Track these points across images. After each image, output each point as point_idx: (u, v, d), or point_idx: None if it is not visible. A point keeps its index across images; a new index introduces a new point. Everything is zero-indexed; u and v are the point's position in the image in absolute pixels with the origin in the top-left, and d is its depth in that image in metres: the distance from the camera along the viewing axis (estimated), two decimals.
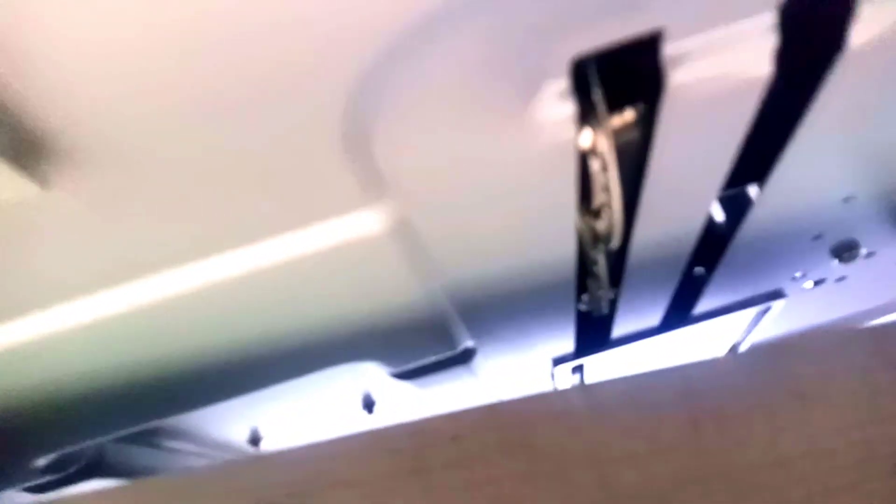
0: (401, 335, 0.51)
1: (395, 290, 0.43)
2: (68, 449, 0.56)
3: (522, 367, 0.72)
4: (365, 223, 0.35)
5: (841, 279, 0.70)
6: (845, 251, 0.62)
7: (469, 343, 0.57)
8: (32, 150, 0.23)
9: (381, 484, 0.39)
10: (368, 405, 0.75)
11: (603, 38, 0.29)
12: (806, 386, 0.42)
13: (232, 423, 0.73)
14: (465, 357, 0.59)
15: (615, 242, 0.40)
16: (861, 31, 0.32)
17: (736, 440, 0.41)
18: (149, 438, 0.64)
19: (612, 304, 0.60)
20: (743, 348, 0.82)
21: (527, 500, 0.40)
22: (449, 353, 0.57)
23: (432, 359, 0.57)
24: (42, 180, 0.23)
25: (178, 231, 0.31)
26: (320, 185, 0.32)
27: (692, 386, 0.42)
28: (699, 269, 0.58)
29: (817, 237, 0.57)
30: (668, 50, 0.31)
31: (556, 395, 0.43)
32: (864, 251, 0.62)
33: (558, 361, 0.72)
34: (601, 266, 0.48)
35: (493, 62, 0.29)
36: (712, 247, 0.54)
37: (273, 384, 0.55)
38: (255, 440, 0.75)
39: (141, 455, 0.64)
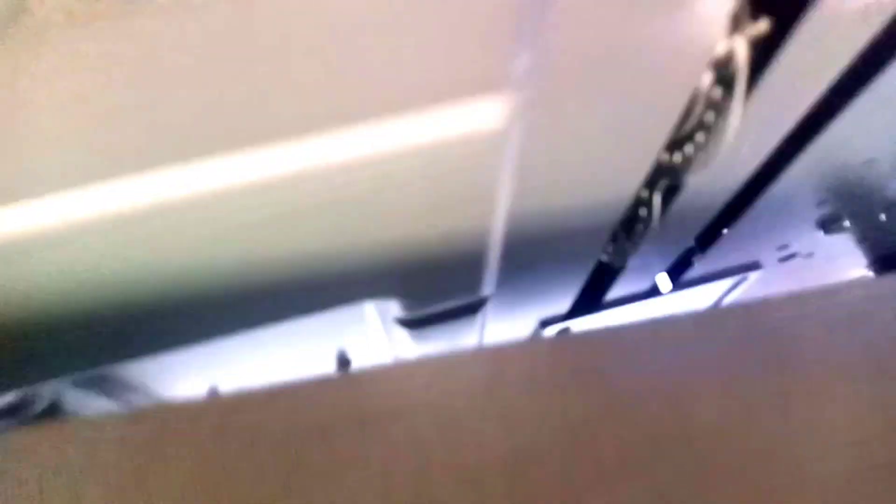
0: (438, 271, 0.47)
1: (466, 208, 0.40)
2: (28, 386, 0.48)
3: (509, 327, 0.71)
4: (485, 114, 0.32)
5: (808, 256, 0.74)
6: (832, 222, 0.65)
7: (489, 291, 0.55)
8: None
9: (458, 406, 0.36)
10: (344, 362, 0.70)
11: None
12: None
13: (189, 378, 0.66)
14: (477, 306, 0.56)
15: (711, 162, 0.39)
16: None
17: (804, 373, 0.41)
18: (106, 388, 0.56)
19: (625, 261, 0.59)
20: None
21: (604, 430, 0.38)
22: (467, 300, 0.54)
23: (449, 305, 0.54)
24: None
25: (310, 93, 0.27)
26: (470, 55, 0.28)
27: (756, 322, 0.42)
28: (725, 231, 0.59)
29: (820, 203, 0.60)
30: None
31: (629, 328, 0.41)
32: (845, 223, 0.66)
33: (546, 323, 0.71)
34: (655, 207, 0.47)
35: None
36: (738, 206, 0.54)
37: (275, 322, 0.50)
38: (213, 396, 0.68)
39: (97, 406, 0.56)
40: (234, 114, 0.27)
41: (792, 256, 0.74)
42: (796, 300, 0.46)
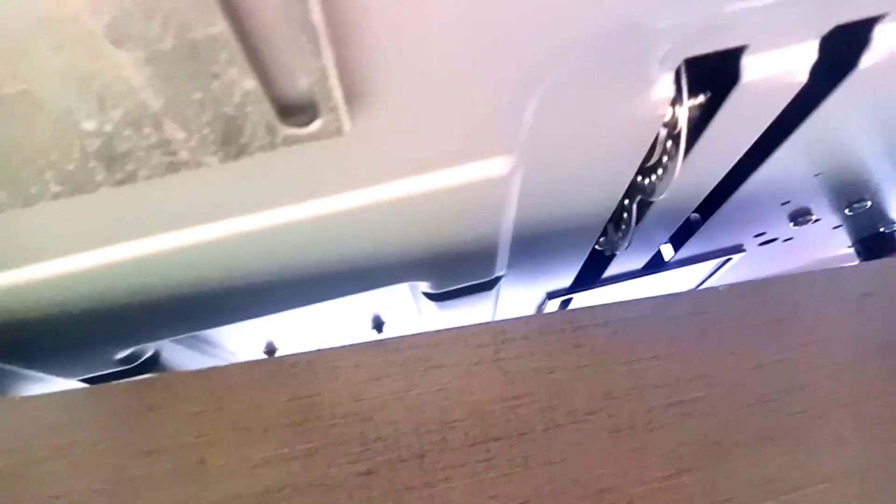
0: (460, 261, 0.63)
1: (481, 223, 0.56)
2: (139, 343, 0.65)
3: (522, 297, 0.87)
4: (495, 166, 0.48)
5: (787, 240, 0.89)
6: (800, 216, 0.80)
7: (502, 272, 0.71)
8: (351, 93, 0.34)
9: (469, 368, 0.53)
10: (378, 325, 0.87)
11: (706, 47, 0.43)
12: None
13: (252, 336, 0.84)
14: (493, 283, 0.73)
15: (662, 195, 0.54)
16: (873, 53, 0.47)
17: (729, 348, 0.57)
18: (193, 343, 0.74)
19: (615, 249, 0.75)
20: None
21: (576, 384, 0.54)
22: (484, 279, 0.70)
23: (470, 282, 0.71)
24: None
25: (391, 157, 0.43)
26: (491, 127, 0.44)
27: (700, 307, 0.58)
28: (695, 216, 0.74)
29: (785, 203, 0.74)
30: (747, 56, 0.44)
31: (601, 308, 0.57)
32: (813, 217, 0.80)
33: (552, 295, 0.87)
34: (632, 214, 0.63)
35: (630, 60, 0.42)
36: (710, 205, 0.69)
37: (334, 299, 0.67)
38: (270, 352, 0.86)
39: (187, 358, 0.74)
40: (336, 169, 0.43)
41: (772, 241, 0.88)
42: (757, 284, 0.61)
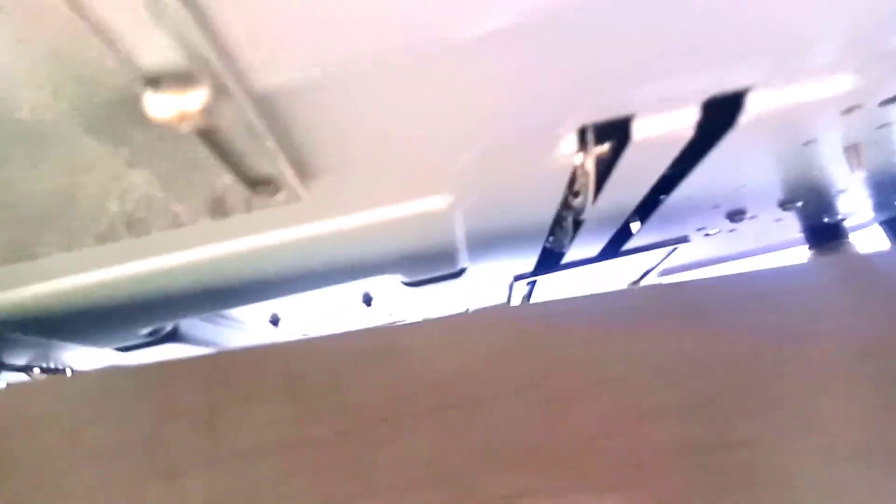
0: (425, 259, 0.75)
1: (435, 235, 0.68)
2: (162, 322, 0.79)
3: (492, 280, 0.99)
4: (435, 202, 0.59)
5: (731, 231, 0.99)
6: (736, 215, 0.90)
7: (466, 264, 0.83)
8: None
9: (429, 351, 0.65)
10: (367, 301, 1.00)
11: (601, 116, 0.54)
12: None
13: (259, 308, 0.97)
14: (460, 273, 0.85)
15: (585, 214, 0.66)
16: (748, 114, 0.57)
17: (649, 336, 0.69)
18: (208, 317, 0.88)
19: (563, 247, 0.86)
20: (654, 275, 1.12)
21: (518, 364, 0.66)
22: (450, 271, 0.83)
23: (438, 274, 0.83)
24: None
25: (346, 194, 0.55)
26: (424, 183, 0.55)
27: (625, 303, 0.69)
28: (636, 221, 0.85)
29: (716, 206, 0.85)
30: (635, 122, 0.55)
31: (541, 303, 0.69)
32: (749, 214, 0.91)
33: (518, 278, 0.99)
34: (568, 223, 0.74)
35: (540, 130, 0.53)
36: (646, 210, 0.80)
37: (326, 286, 0.79)
38: (275, 321, 1.00)
39: (201, 329, 0.88)
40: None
41: (715, 233, 0.99)
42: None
